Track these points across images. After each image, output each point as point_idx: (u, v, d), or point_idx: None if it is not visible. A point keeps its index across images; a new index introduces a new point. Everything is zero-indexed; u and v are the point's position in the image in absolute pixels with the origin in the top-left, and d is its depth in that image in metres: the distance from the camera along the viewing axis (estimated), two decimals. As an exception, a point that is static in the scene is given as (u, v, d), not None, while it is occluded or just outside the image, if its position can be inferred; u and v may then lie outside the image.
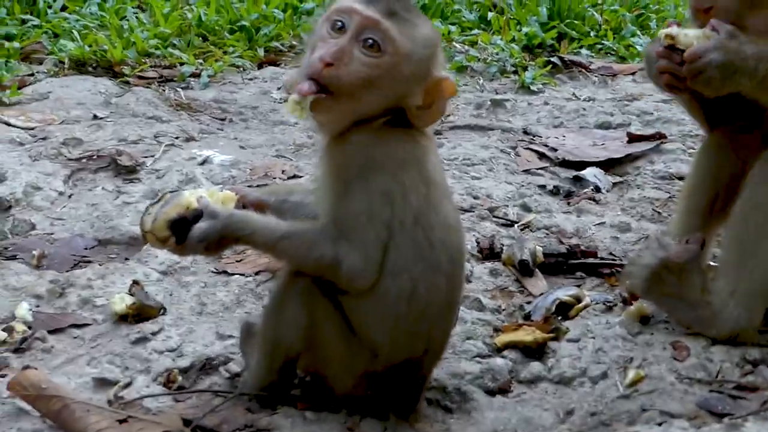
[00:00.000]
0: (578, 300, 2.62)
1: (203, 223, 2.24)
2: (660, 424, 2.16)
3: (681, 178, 3.29)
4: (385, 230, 2.25)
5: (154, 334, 2.54)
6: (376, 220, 2.25)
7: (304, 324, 2.25)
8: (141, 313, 2.60)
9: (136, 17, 4.86)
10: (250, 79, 4.26)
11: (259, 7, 4.90)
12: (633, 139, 3.54)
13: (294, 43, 4.70)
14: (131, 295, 2.63)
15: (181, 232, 2.21)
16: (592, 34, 4.60)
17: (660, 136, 3.54)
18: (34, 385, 2.25)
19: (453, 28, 4.60)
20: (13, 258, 2.92)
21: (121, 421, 2.18)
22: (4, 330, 2.60)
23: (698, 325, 2.47)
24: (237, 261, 2.88)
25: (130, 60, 4.39)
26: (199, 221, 2.24)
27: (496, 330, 2.53)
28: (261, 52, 4.57)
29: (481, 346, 2.47)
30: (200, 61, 4.46)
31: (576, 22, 4.60)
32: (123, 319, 2.60)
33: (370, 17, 2.20)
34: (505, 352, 2.45)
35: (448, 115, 3.85)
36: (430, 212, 2.29)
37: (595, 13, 4.68)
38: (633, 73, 4.19)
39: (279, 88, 4.19)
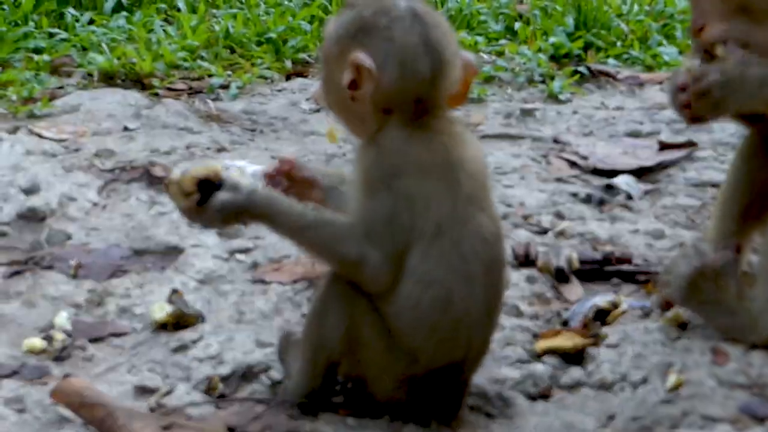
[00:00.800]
0: (615, 306, 2.62)
1: (225, 193, 2.23)
2: (702, 428, 2.15)
3: (714, 186, 3.29)
4: (405, 234, 2.25)
5: (193, 342, 2.54)
6: (396, 224, 2.25)
7: (345, 328, 2.25)
8: (180, 321, 2.60)
9: (164, 30, 4.88)
10: (279, 91, 4.27)
11: (286, 19, 4.92)
12: (664, 147, 3.53)
13: (323, 56, 4.72)
14: (170, 303, 2.63)
15: (206, 193, 2.23)
16: (618, 44, 4.60)
17: (691, 144, 3.54)
18: (77, 392, 2.25)
19: (480, 39, 4.60)
20: (50, 268, 2.93)
21: (165, 428, 2.18)
22: (44, 339, 2.60)
23: (737, 332, 2.45)
24: (274, 270, 2.87)
25: (159, 72, 4.40)
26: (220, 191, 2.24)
27: (535, 336, 2.53)
28: (288, 63, 4.59)
29: (521, 352, 2.47)
30: (229, 72, 4.47)
31: (602, 32, 4.60)
32: (162, 327, 2.60)
33: None
34: (545, 358, 2.44)
35: (478, 125, 3.86)
36: (457, 226, 2.27)
37: (621, 23, 4.68)
38: (660, 82, 4.19)
39: (308, 99, 4.21)
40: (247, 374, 2.46)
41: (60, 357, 2.57)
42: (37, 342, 2.60)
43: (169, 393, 2.38)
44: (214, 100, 4.15)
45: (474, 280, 2.26)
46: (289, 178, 2.59)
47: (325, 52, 2.42)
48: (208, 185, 2.25)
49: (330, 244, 2.27)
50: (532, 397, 2.32)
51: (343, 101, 2.34)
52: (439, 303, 2.23)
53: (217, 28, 4.70)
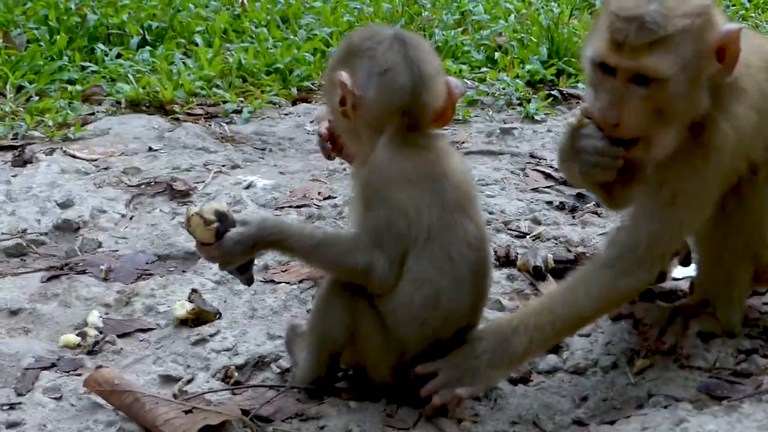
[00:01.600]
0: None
1: (236, 229, 2.26)
2: (666, 407, 2.17)
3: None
4: (403, 240, 2.28)
5: (211, 335, 2.58)
6: (394, 231, 2.27)
7: (346, 322, 2.28)
8: (200, 317, 2.65)
9: (183, 63, 4.88)
10: (286, 114, 4.28)
11: (292, 51, 4.92)
12: (629, 160, 3.52)
13: (323, 82, 4.72)
14: (190, 301, 2.68)
15: (224, 226, 2.24)
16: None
17: (649, 159, 3.53)
18: (107, 381, 2.29)
19: (464, 67, 4.60)
20: (84, 272, 2.96)
21: (186, 412, 2.23)
22: (78, 335, 2.65)
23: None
24: (282, 271, 2.90)
25: (180, 99, 4.41)
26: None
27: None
28: (294, 90, 4.60)
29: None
30: (241, 99, 4.48)
31: (572, 60, 4.60)
32: (183, 323, 2.65)
33: None
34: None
35: (463, 143, 3.86)
36: (445, 231, 2.29)
37: (589, 51, 4.65)
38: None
39: (311, 122, 4.21)
40: (259, 364, 2.51)
41: (92, 351, 2.61)
42: (72, 338, 2.64)
43: (190, 381, 2.44)
44: (228, 123, 4.16)
45: (461, 280, 2.29)
46: None
47: (325, 77, 2.47)
48: (225, 218, 2.29)
49: (341, 257, 2.29)
50: (514, 382, 2.35)
51: (341, 121, 2.36)
52: (429, 301, 2.26)
53: (230, 60, 4.70)
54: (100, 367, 2.44)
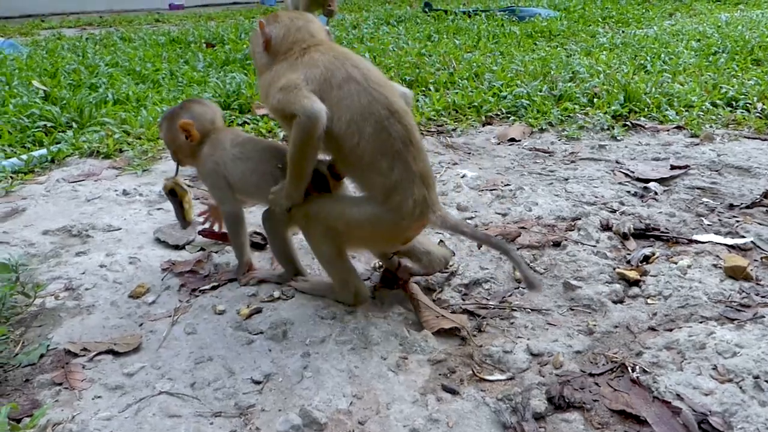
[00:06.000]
0: (653, 254, 2.60)
1: None
2: (701, 323, 2.13)
3: (699, 188, 3.22)
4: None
5: (451, 266, 2.56)
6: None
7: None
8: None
9: (423, 100, 4.91)
10: (479, 132, 4.28)
11: (481, 95, 4.91)
12: (673, 167, 3.45)
13: (497, 113, 4.69)
14: (439, 245, 2.64)
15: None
16: (645, 109, 4.44)
17: (686, 166, 3.45)
18: (412, 289, 2.28)
19: (576, 106, 4.52)
20: None
21: (437, 316, 2.19)
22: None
23: None
24: (486, 230, 2.89)
25: (422, 123, 4.45)
26: None
27: (614, 269, 2.52)
28: (483, 118, 4.58)
29: (608, 278, 2.46)
30: (455, 122, 4.49)
31: (638, 103, 4.47)
32: None
33: None
34: (620, 282, 2.43)
35: (578, 152, 3.83)
36: None
37: (647, 98, 4.53)
38: (667, 131, 4.06)
39: (494, 138, 4.20)
40: (476, 284, 2.46)
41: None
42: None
43: (440, 292, 2.41)
44: (449, 137, 4.19)
45: None
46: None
47: None
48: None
49: None
50: (614, 302, 2.31)
51: None
52: None
53: (449, 99, 4.72)
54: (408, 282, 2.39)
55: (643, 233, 2.79)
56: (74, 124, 4.36)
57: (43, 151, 3.82)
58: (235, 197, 2.28)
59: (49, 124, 4.30)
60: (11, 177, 3.50)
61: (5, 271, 2.38)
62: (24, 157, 3.69)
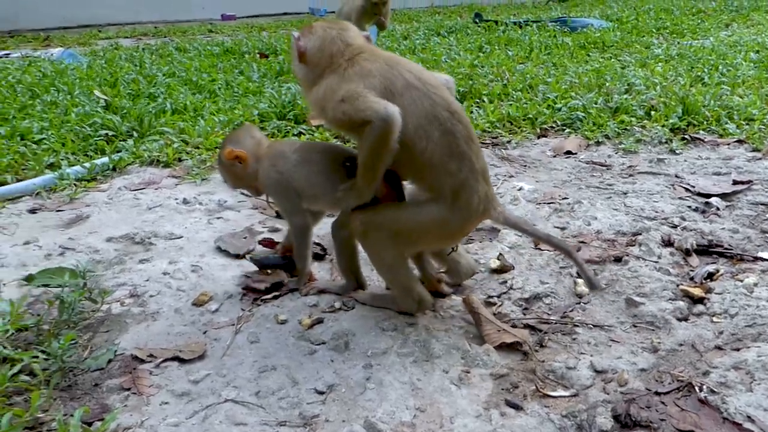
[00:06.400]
0: (717, 271, 2.56)
1: None
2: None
3: (763, 204, 3.17)
4: None
5: (509, 280, 2.57)
6: None
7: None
8: (503, 268, 2.63)
9: (477, 111, 4.90)
10: (534, 145, 4.27)
11: (536, 107, 4.89)
12: (735, 182, 3.40)
13: (552, 125, 4.66)
14: (498, 259, 2.67)
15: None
16: (704, 122, 4.38)
17: (749, 181, 3.39)
18: (474, 302, 2.28)
19: (633, 119, 4.47)
20: None
21: (498, 330, 2.20)
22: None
23: None
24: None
25: (477, 134, 4.43)
26: None
27: (677, 285, 2.49)
28: (538, 130, 4.55)
29: (671, 295, 2.43)
30: (510, 134, 4.47)
31: (696, 116, 4.41)
32: (494, 271, 2.64)
33: None
34: (684, 300, 2.40)
35: (636, 166, 3.79)
36: None
37: (706, 111, 4.47)
38: (728, 145, 4.00)
39: (550, 150, 4.18)
40: (536, 298, 2.46)
41: (447, 282, 2.54)
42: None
43: (500, 306, 2.41)
44: (504, 149, 4.17)
45: None
46: None
47: None
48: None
49: None
50: (679, 319, 2.28)
51: None
52: None
53: (503, 111, 4.71)
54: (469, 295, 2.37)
55: (706, 250, 2.75)
56: (134, 133, 4.44)
57: (105, 159, 3.91)
58: (303, 208, 2.28)
59: (110, 133, 4.39)
60: (75, 184, 3.58)
61: (73, 277, 2.44)
62: (87, 165, 3.77)
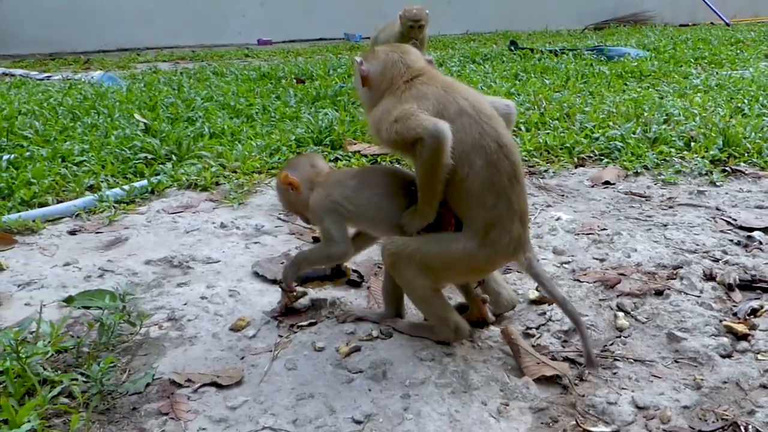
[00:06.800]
0: (761, 307, 2.52)
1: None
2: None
3: (807, 240, 3.12)
4: None
5: (548, 311, 2.55)
6: None
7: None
8: (542, 300, 2.61)
9: (514, 139, 4.88)
10: (572, 174, 4.24)
11: (573, 136, 4.87)
12: (778, 216, 3.33)
13: (589, 155, 4.63)
14: (537, 290, 2.65)
15: None
16: (745, 154, 4.33)
17: (792, 215, 3.33)
18: (512, 333, 2.27)
19: (672, 150, 4.43)
20: None
21: (537, 363, 2.18)
22: None
23: None
24: (584, 274, 2.85)
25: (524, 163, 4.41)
26: None
27: (720, 321, 2.45)
28: (576, 159, 4.53)
29: (714, 330, 2.40)
30: (548, 164, 4.45)
31: (737, 147, 4.36)
32: (533, 302, 2.62)
33: None
34: (728, 336, 2.36)
35: (676, 198, 3.75)
36: None
37: (747, 143, 4.42)
38: (770, 177, 3.93)
39: (588, 180, 4.15)
40: (574, 330, 2.42)
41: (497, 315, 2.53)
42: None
43: (538, 338, 2.39)
44: (541, 178, 4.15)
45: None
46: None
47: None
48: None
49: None
50: (722, 356, 2.25)
51: None
52: None
53: (540, 140, 4.69)
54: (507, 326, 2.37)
55: (749, 285, 2.71)
56: (173, 157, 4.50)
57: (144, 182, 3.96)
58: (348, 237, 2.27)
59: (149, 156, 4.45)
60: (114, 206, 3.62)
61: (113, 300, 2.46)
62: (126, 187, 3.82)
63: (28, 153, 4.30)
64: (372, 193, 2.17)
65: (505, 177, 1.91)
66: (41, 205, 3.49)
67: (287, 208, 2.43)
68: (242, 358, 2.26)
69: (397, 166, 2.70)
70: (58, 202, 3.53)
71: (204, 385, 2.10)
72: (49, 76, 8.99)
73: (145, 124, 5.14)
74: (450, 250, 1.98)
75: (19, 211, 3.35)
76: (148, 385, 2.11)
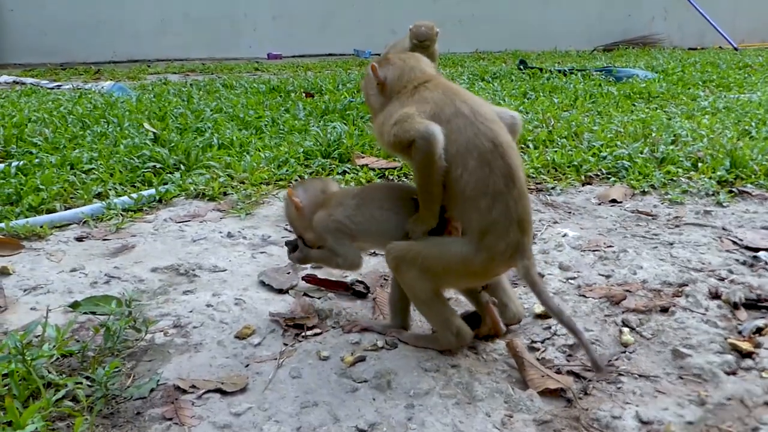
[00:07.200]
0: (766, 326, 2.52)
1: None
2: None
3: (814, 261, 3.12)
4: None
5: (553, 326, 2.54)
6: None
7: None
8: (547, 314, 2.58)
9: (522, 156, 4.89)
10: (579, 192, 4.24)
11: (581, 154, 4.88)
12: (785, 237, 3.33)
13: (597, 173, 4.64)
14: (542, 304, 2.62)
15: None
16: (753, 176, 4.33)
17: (799, 236, 3.32)
18: (518, 347, 2.27)
19: (680, 170, 4.43)
20: None
21: (542, 375, 2.17)
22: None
23: None
24: (589, 290, 2.86)
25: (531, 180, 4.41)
26: None
27: (725, 339, 2.44)
28: (583, 177, 4.53)
29: (719, 348, 2.39)
30: (556, 181, 4.46)
31: (744, 169, 4.36)
32: (538, 317, 2.62)
33: None
34: (732, 353, 2.36)
35: (682, 217, 3.75)
36: None
37: (753, 164, 4.42)
38: (777, 199, 3.93)
39: (595, 198, 4.15)
40: (575, 345, 2.42)
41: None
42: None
43: (543, 351, 2.39)
44: (548, 195, 4.15)
45: None
46: None
47: None
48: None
49: None
50: (727, 373, 2.24)
51: None
52: None
53: (548, 158, 4.69)
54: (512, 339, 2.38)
55: (755, 304, 2.70)
56: (181, 166, 4.52)
57: (152, 191, 3.98)
58: (355, 248, 2.29)
59: (157, 165, 4.48)
60: (122, 214, 3.64)
61: (119, 306, 2.47)
62: (134, 196, 3.85)
63: (37, 160, 4.35)
64: (373, 209, 2.22)
65: (501, 178, 1.89)
66: (49, 211, 3.51)
67: (289, 223, 2.50)
68: (247, 365, 2.27)
69: (401, 182, 2.71)
70: (66, 208, 3.55)
71: (208, 391, 2.11)
72: (60, 86, 9.06)
73: (154, 133, 5.17)
74: (448, 253, 1.98)
75: (26, 217, 3.37)
76: (152, 390, 2.11)
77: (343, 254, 2.31)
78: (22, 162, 4.12)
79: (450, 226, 2.07)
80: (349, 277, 2.83)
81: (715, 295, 2.77)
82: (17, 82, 9.45)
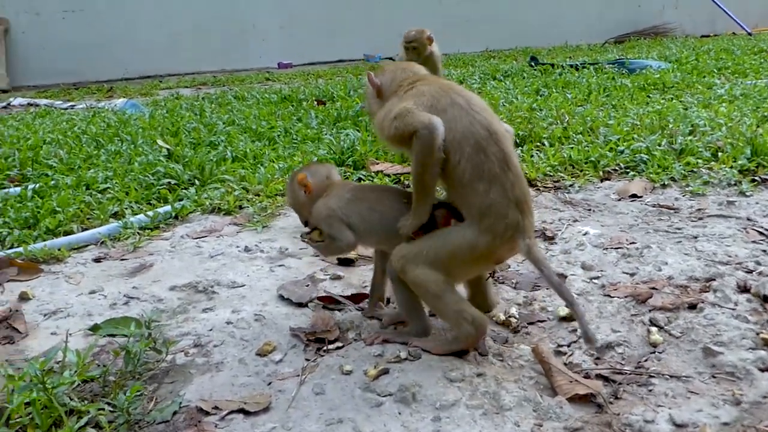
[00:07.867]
0: (799, 318, 2.45)
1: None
2: None
3: (843, 249, 3.05)
4: None
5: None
6: None
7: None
8: (572, 316, 2.55)
9: (538, 155, 4.85)
10: (598, 188, 4.18)
11: (597, 149, 4.82)
12: (811, 225, 3.25)
13: (615, 168, 4.58)
14: (566, 307, 2.59)
15: None
16: (776, 163, 4.25)
17: (826, 224, 3.25)
18: (544, 352, 2.23)
19: (700, 161, 4.36)
20: (502, 283, 2.93)
21: (570, 381, 2.13)
22: (503, 323, 2.55)
23: None
24: (614, 289, 2.80)
25: (539, 178, 4.38)
26: None
27: (757, 334, 2.38)
28: (601, 173, 4.47)
29: (751, 343, 2.33)
30: (573, 178, 4.41)
31: (766, 156, 4.29)
32: (563, 319, 2.58)
33: None
34: (765, 349, 2.30)
35: (705, 209, 3.68)
36: None
37: (776, 151, 4.34)
38: (801, 186, 3.86)
39: (614, 193, 4.10)
40: (607, 347, 2.39)
41: (516, 330, 2.51)
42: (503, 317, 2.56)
43: (570, 355, 2.34)
44: (567, 193, 4.10)
45: None
46: None
47: None
48: None
49: None
50: (761, 370, 2.18)
51: None
52: None
53: (564, 155, 4.63)
54: (537, 343, 2.37)
55: (784, 295, 2.63)
56: (196, 181, 4.51)
57: (168, 207, 3.96)
58: (350, 232, 2.35)
59: (172, 182, 4.47)
60: (138, 233, 3.63)
61: (138, 327, 2.44)
62: (150, 213, 3.83)
63: (53, 182, 4.35)
64: (362, 208, 2.32)
65: (496, 163, 1.98)
66: (66, 233, 3.50)
67: (292, 203, 2.54)
68: (269, 383, 2.23)
69: (398, 186, 2.70)
70: (83, 229, 3.54)
71: (231, 412, 2.07)
72: (73, 105, 9.10)
73: (167, 149, 5.16)
74: (452, 241, 2.05)
75: (44, 240, 3.36)
76: (175, 413, 2.08)
77: (339, 236, 2.36)
78: (38, 185, 4.11)
79: (440, 223, 2.12)
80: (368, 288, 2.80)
81: (743, 289, 2.71)
82: (31, 104, 9.50)
